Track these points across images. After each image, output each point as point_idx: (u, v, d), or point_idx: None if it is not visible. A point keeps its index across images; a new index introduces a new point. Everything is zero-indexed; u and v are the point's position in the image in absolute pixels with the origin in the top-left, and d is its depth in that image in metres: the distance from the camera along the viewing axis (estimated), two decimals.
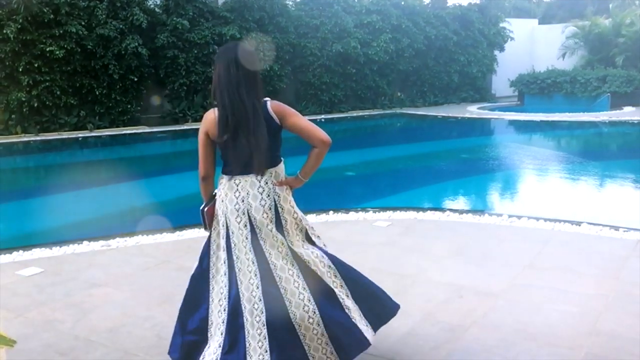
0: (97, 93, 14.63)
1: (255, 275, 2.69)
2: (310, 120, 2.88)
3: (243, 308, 2.67)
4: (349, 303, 2.80)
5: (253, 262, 2.71)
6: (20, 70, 13.44)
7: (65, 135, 14.00)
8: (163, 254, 4.96)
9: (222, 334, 2.71)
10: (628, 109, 17.76)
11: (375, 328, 2.89)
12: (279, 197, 2.77)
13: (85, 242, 5.28)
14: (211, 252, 2.83)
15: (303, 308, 2.66)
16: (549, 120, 16.25)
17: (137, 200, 8.07)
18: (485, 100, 22.10)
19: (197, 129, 2.84)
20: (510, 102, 21.66)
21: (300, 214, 2.87)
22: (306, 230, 2.90)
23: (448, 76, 21.27)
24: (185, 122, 15.84)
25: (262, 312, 2.65)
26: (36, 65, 13.67)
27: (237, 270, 2.72)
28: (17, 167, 11.91)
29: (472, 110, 18.80)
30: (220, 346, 2.70)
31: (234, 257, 2.73)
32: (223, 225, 2.78)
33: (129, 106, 15.19)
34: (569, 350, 3.14)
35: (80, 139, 13.81)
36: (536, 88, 20.24)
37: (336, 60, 18.29)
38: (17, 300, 3.97)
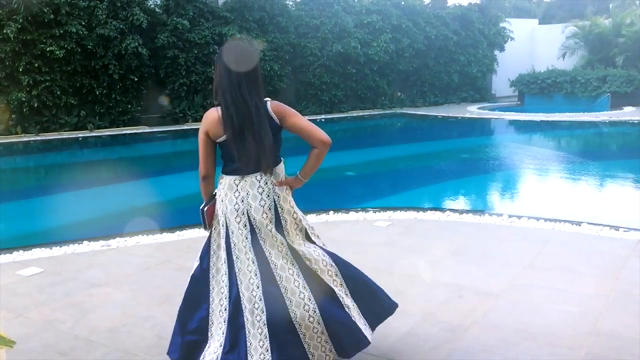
0: (97, 93, 14.63)
1: (256, 275, 2.70)
2: (310, 120, 2.88)
3: (243, 308, 2.68)
4: (348, 302, 2.80)
5: (253, 262, 2.71)
6: (21, 70, 13.45)
7: (65, 135, 14.01)
8: (163, 254, 4.96)
9: (223, 333, 2.72)
10: (628, 109, 17.76)
11: (373, 327, 2.91)
12: (278, 197, 2.77)
13: (86, 242, 5.28)
14: (211, 252, 2.83)
15: (303, 307, 2.67)
16: (549, 120, 16.25)
17: (138, 200, 8.07)
18: (486, 100, 22.10)
19: (197, 129, 2.84)
20: (510, 102, 21.66)
21: (300, 214, 2.87)
22: (306, 230, 2.90)
23: (448, 76, 21.27)
24: (185, 122, 15.85)
25: (263, 312, 2.65)
26: (36, 65, 13.68)
27: (237, 270, 2.72)
28: (17, 167, 11.91)
29: (472, 110, 18.80)
30: (221, 346, 2.70)
31: (234, 257, 2.74)
32: (223, 225, 2.78)
33: (129, 106, 15.20)
34: (569, 350, 3.13)
35: (80, 139, 13.82)
36: (536, 88, 20.25)
37: (336, 60, 18.30)
38: (17, 300, 3.97)
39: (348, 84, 19.10)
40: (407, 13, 19.89)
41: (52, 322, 3.62)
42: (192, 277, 2.87)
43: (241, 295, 2.69)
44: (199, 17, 16.04)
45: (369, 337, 2.81)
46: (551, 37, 23.84)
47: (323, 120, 16.94)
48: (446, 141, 14.52)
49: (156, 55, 15.40)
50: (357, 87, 19.41)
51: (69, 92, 14.33)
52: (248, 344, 2.65)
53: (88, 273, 4.51)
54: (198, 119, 13.50)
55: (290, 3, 18.62)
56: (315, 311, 2.68)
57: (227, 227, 2.76)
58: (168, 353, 2.88)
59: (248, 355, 2.64)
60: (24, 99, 13.52)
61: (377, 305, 2.96)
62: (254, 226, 2.72)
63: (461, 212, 6.27)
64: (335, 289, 2.78)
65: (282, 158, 2.85)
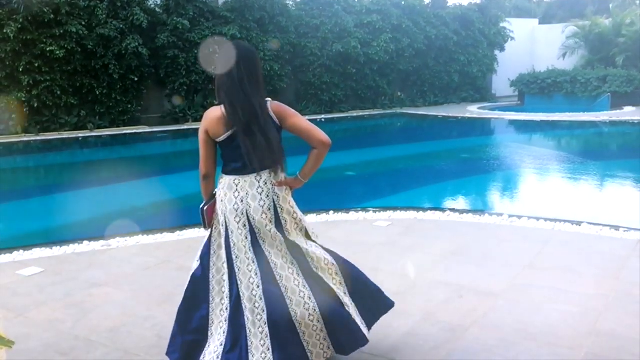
0: (98, 93, 14.63)
1: (256, 274, 2.70)
2: (310, 120, 2.88)
3: (244, 307, 2.69)
4: (347, 300, 2.82)
5: (253, 262, 2.71)
6: (21, 70, 13.45)
7: (65, 135, 14.01)
8: (163, 254, 4.96)
9: (224, 332, 2.73)
10: (628, 108, 17.76)
11: (369, 325, 2.93)
12: (278, 197, 2.77)
13: (86, 242, 5.28)
14: (212, 252, 2.83)
15: (304, 306, 2.68)
16: (550, 120, 16.24)
17: (138, 200, 8.07)
18: (486, 100, 22.10)
19: (197, 129, 2.84)
20: (510, 102, 21.66)
21: (299, 214, 2.88)
22: (306, 229, 2.91)
23: (448, 76, 21.27)
24: (185, 122, 15.85)
25: (264, 311, 2.66)
26: (36, 65, 13.67)
27: (236, 269, 2.73)
28: (18, 167, 11.91)
29: (473, 110, 18.80)
30: (221, 345, 2.71)
31: (234, 257, 2.74)
32: (223, 225, 2.79)
33: (129, 106, 15.20)
34: (569, 350, 3.14)
35: (80, 138, 13.82)
36: (536, 88, 20.24)
37: (336, 60, 18.30)
38: (18, 300, 3.97)
39: (348, 83, 19.10)
40: (407, 13, 19.89)
41: (52, 322, 3.62)
42: (192, 276, 2.87)
43: (241, 294, 2.70)
44: (199, 17, 16.04)
45: (367, 336, 2.83)
46: (551, 37, 23.84)
47: (323, 120, 16.94)
48: (446, 141, 14.52)
49: (156, 55, 15.40)
50: (357, 87, 19.41)
51: (69, 92, 14.32)
52: (249, 343, 2.66)
53: (88, 273, 4.51)
54: (198, 119, 13.49)
55: (291, 3, 18.62)
56: (315, 310, 2.69)
57: (226, 226, 2.77)
58: (167, 354, 2.87)
59: (249, 354, 2.65)
60: (24, 99, 13.52)
61: (375, 304, 2.98)
62: (254, 226, 2.73)
63: (461, 212, 6.27)
64: (335, 288, 2.80)
65: None
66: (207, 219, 2.82)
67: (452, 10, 21.37)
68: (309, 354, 2.69)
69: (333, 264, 2.85)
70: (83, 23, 14.20)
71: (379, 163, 11.26)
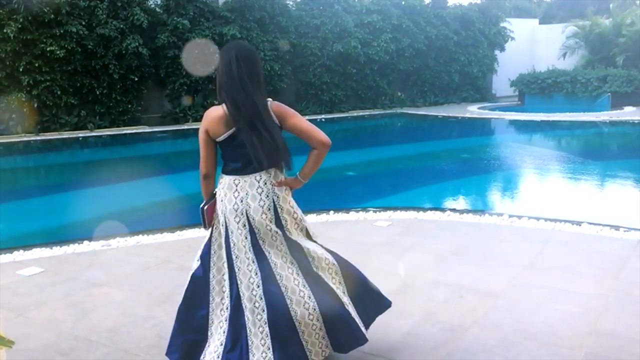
0: (98, 93, 14.63)
1: (256, 274, 2.70)
2: (310, 120, 2.88)
3: (244, 307, 2.69)
4: (346, 299, 2.83)
5: (253, 261, 2.72)
6: (21, 70, 13.45)
7: (65, 135, 14.01)
8: (163, 254, 4.96)
9: (224, 332, 2.73)
10: (628, 108, 17.76)
11: (367, 325, 2.93)
12: (278, 197, 2.78)
13: (86, 242, 5.28)
14: (212, 252, 2.84)
15: (304, 305, 2.68)
16: (550, 120, 16.24)
17: (138, 200, 8.08)
18: (486, 100, 22.11)
19: (198, 129, 2.84)
20: (510, 102, 21.66)
21: (300, 213, 2.88)
22: (307, 229, 2.91)
23: (448, 76, 21.27)
24: (185, 122, 15.85)
25: (264, 311, 2.67)
26: (37, 65, 13.68)
27: (236, 269, 2.73)
28: (18, 167, 11.91)
29: (473, 110, 18.80)
30: (222, 344, 2.71)
31: (234, 257, 2.75)
32: (223, 225, 2.79)
33: (129, 106, 15.20)
34: (569, 350, 3.14)
35: (80, 138, 13.82)
36: (537, 88, 20.24)
37: (336, 60, 18.30)
38: (18, 300, 3.97)
39: (348, 83, 19.10)
40: (407, 13, 19.89)
41: (52, 322, 3.62)
42: (193, 276, 2.87)
43: (241, 294, 2.70)
44: (200, 17, 16.04)
45: (366, 335, 2.84)
46: (551, 37, 23.84)
47: (323, 120, 16.95)
48: (446, 141, 14.52)
49: (156, 55, 15.40)
50: (357, 87, 19.41)
51: (69, 92, 14.33)
52: (249, 342, 2.66)
53: (88, 273, 4.51)
54: (198, 119, 13.49)
55: (291, 3, 18.62)
56: (315, 309, 2.70)
57: (226, 226, 2.77)
58: (167, 353, 2.87)
59: (250, 353, 2.65)
60: (24, 99, 13.52)
61: (372, 305, 2.99)
62: (253, 226, 2.73)
63: (461, 212, 6.27)
64: (334, 287, 2.80)
65: None
66: (207, 218, 2.82)
67: (452, 10, 21.37)
68: (308, 353, 2.70)
69: (334, 263, 2.86)
70: (83, 23, 14.20)
71: (379, 163, 11.26)
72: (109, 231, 5.65)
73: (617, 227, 5.37)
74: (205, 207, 2.82)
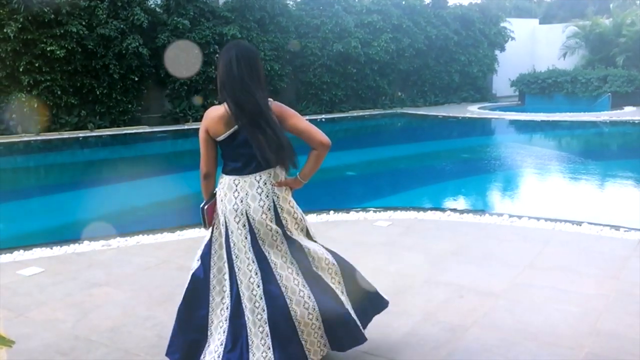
0: (98, 93, 14.63)
1: (256, 274, 2.70)
2: (310, 120, 2.89)
3: (244, 307, 2.69)
4: (344, 299, 2.83)
5: (253, 261, 2.72)
6: (21, 70, 13.45)
7: (65, 135, 14.01)
8: (163, 254, 4.96)
9: (224, 332, 2.74)
10: (629, 108, 17.75)
11: (364, 324, 2.93)
12: (277, 197, 2.78)
13: (86, 242, 5.28)
14: (212, 251, 2.84)
15: (303, 305, 2.69)
16: (550, 120, 16.24)
17: (138, 200, 8.07)
18: (486, 100, 22.10)
19: (198, 129, 2.84)
20: (511, 102, 21.65)
21: (300, 213, 2.88)
22: (307, 229, 2.91)
23: (449, 76, 21.27)
24: (185, 122, 15.85)
25: (264, 310, 2.67)
26: (37, 65, 13.68)
27: (236, 269, 2.73)
28: (18, 167, 11.91)
29: (473, 110, 18.80)
30: (222, 344, 2.72)
31: (234, 257, 2.75)
32: (223, 225, 2.79)
33: (129, 106, 15.20)
34: (569, 350, 3.13)
35: (80, 138, 13.82)
36: (537, 88, 20.24)
37: (337, 60, 18.30)
38: (18, 299, 3.97)
39: (348, 83, 19.10)
40: (407, 13, 19.89)
41: (52, 322, 3.62)
42: (193, 276, 2.87)
43: (241, 294, 2.71)
44: (200, 17, 16.04)
45: (365, 334, 2.85)
46: (552, 37, 23.84)
47: (323, 120, 16.95)
48: (447, 141, 14.52)
49: (157, 55, 15.39)
50: (357, 86, 19.41)
51: (69, 91, 14.32)
52: (250, 342, 2.67)
53: (88, 273, 4.51)
54: (198, 119, 13.46)
55: (291, 3, 18.62)
56: (314, 309, 2.70)
57: (226, 226, 2.77)
58: (168, 353, 2.87)
59: (250, 353, 2.66)
60: (24, 99, 13.52)
61: (370, 305, 3.00)
62: (253, 226, 2.73)
63: (462, 212, 6.27)
64: (334, 287, 2.81)
65: None
66: (207, 218, 2.82)
67: (453, 10, 21.36)
68: (307, 352, 2.71)
69: (333, 263, 2.86)
70: (83, 23, 14.19)
71: (379, 163, 11.26)
72: (109, 231, 5.66)
73: (617, 227, 5.37)
74: (206, 207, 2.82)
